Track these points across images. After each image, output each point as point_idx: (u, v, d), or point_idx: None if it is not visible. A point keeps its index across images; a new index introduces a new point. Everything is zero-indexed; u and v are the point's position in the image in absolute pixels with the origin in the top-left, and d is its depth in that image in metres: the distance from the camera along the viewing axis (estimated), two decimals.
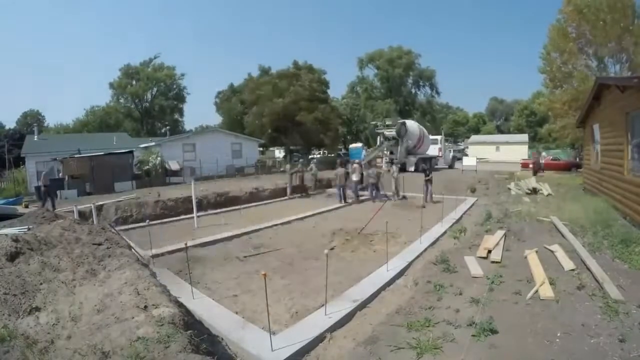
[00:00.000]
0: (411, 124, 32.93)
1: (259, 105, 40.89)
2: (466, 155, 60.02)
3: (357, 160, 23.39)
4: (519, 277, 7.22)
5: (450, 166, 39.62)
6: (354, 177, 20.05)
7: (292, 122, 40.03)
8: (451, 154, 41.71)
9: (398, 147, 31.27)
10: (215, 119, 76.75)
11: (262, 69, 48.73)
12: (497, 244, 9.31)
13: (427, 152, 35.51)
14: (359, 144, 41.04)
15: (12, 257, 5.36)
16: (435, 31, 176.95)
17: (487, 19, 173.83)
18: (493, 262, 8.29)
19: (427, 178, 18.24)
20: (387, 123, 34.87)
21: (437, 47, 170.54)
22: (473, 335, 5.03)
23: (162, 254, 10.11)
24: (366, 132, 60.15)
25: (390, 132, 32.26)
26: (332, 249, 10.45)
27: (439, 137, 39.95)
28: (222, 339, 5.44)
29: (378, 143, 33.88)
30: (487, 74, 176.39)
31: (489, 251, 8.81)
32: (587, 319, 5.35)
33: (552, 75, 26.51)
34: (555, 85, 26.90)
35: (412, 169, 31.50)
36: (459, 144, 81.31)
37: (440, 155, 38.51)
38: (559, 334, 4.99)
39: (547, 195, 17.48)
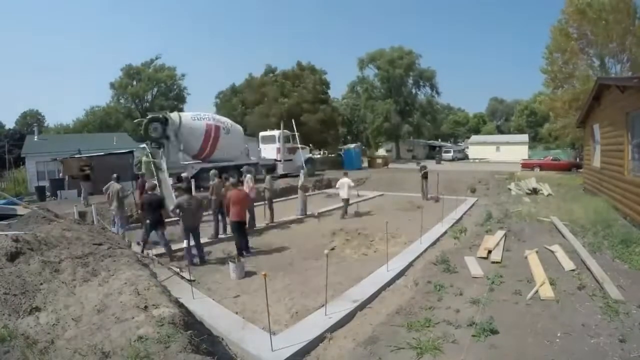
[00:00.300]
0: (185, 118, 21.85)
1: (263, 104, 40.88)
2: (467, 155, 60.10)
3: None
4: (519, 277, 7.22)
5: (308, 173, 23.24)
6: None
7: (296, 122, 40.15)
8: (305, 155, 29.67)
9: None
10: None
11: (268, 69, 48.73)
12: (498, 244, 9.31)
13: (238, 158, 24.33)
14: (352, 145, 40.57)
15: (13, 257, 5.35)
16: (435, 31, 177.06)
17: (488, 19, 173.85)
18: (493, 262, 8.29)
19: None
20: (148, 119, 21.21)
21: (437, 48, 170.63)
22: (473, 336, 5.03)
23: (162, 254, 10.12)
24: (366, 132, 60.09)
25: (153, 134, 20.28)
26: (332, 249, 10.46)
27: (276, 133, 28.46)
28: (223, 339, 5.44)
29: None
30: (487, 74, 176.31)
31: (489, 251, 8.81)
32: (587, 319, 5.35)
33: (554, 75, 26.52)
34: (557, 85, 26.91)
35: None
36: (459, 144, 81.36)
37: (279, 159, 27.68)
38: (559, 334, 4.99)
39: (547, 196, 17.50)
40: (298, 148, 29.00)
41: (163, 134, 20.20)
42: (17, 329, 3.89)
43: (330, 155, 46.92)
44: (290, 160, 28.09)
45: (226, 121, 24.69)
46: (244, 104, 51.66)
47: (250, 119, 43.25)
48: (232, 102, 60.53)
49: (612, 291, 6.08)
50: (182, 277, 8.25)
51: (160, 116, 20.79)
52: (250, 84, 48.91)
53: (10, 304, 4.29)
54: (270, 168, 24.80)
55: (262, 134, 30.50)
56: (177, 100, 79.02)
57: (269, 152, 28.38)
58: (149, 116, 20.75)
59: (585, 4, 23.35)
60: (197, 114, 23.13)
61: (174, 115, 21.31)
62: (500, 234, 10.20)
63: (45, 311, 4.34)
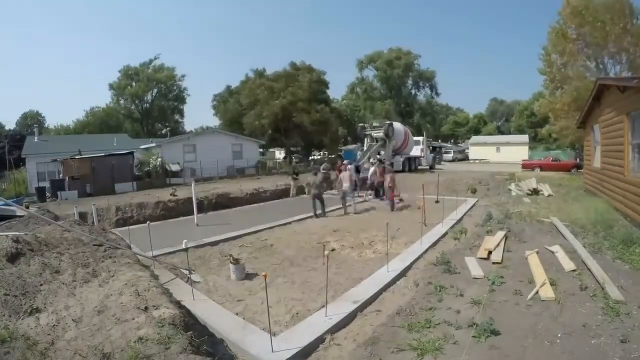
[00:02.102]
0: (397, 125, 33.70)
1: (257, 107, 40.95)
2: (467, 156, 59.98)
3: (347, 165, 20.45)
4: (519, 277, 7.22)
5: (431, 166, 39.73)
6: (345, 185, 16.78)
7: (291, 123, 40.17)
8: (431, 154, 41.71)
9: (385, 148, 31.45)
10: (214, 121, 76.46)
11: (257, 72, 48.69)
12: (498, 244, 9.29)
13: (410, 153, 36.44)
14: (353, 146, 40.91)
15: (13, 258, 5.35)
16: (435, 32, 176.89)
17: (487, 19, 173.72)
18: (494, 262, 8.28)
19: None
20: (374, 124, 34.25)
21: (436, 48, 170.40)
22: (474, 336, 5.02)
23: (163, 255, 10.12)
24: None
25: (378, 134, 31.74)
26: (332, 249, 10.44)
27: (421, 138, 40.21)
28: (223, 339, 5.44)
29: (365, 145, 32.46)
30: (487, 74, 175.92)
31: (490, 252, 8.80)
32: (588, 319, 5.35)
33: (552, 76, 26.51)
34: (556, 87, 26.90)
35: (400, 168, 32.24)
36: (460, 144, 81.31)
37: (422, 155, 38.83)
38: (559, 335, 4.99)
39: (547, 196, 17.48)
40: (432, 148, 44.67)
41: (392, 134, 31.61)
42: (18, 329, 3.89)
43: (330, 156, 46.87)
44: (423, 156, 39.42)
45: (407, 129, 37.39)
46: (241, 105, 51.61)
47: (247, 120, 43.33)
48: (228, 103, 60.55)
49: (612, 292, 6.07)
50: (189, 279, 8.22)
51: (389, 124, 32.10)
52: (245, 87, 48.93)
53: (10, 304, 4.29)
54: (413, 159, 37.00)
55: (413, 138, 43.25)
56: (177, 100, 79.14)
57: (415, 151, 38.61)
58: (389, 122, 32.64)
59: (582, 5, 23.36)
60: (398, 123, 35.33)
61: (393, 124, 33.08)
62: (500, 234, 10.19)
63: (46, 312, 4.34)
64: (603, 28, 22.70)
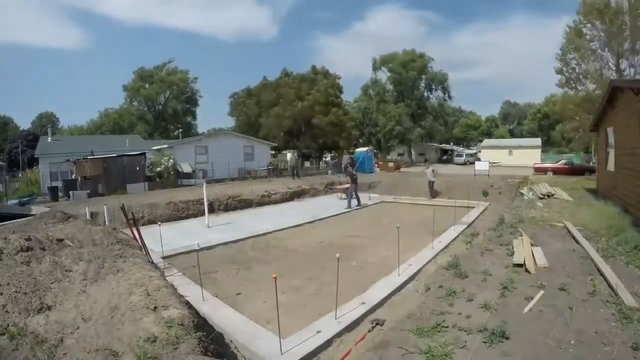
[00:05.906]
0: None
1: (279, 105, 41.47)
2: (479, 159, 59.42)
3: None
4: (531, 283, 7.12)
5: None
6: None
7: (307, 125, 40.52)
8: None
9: None
10: (226, 123, 76.91)
11: (284, 71, 49.20)
12: (527, 252, 8.78)
13: None
14: (364, 148, 40.95)
15: (24, 256, 5.40)
16: (446, 32, 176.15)
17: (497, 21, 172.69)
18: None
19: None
20: None
21: (446, 48, 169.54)
22: (484, 342, 4.96)
23: (173, 255, 10.17)
24: (378, 135, 59.97)
25: None
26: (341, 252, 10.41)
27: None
28: (232, 341, 5.44)
29: None
30: (500, 77, 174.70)
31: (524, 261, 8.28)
32: (600, 326, 5.26)
33: (567, 75, 26.38)
34: (570, 87, 26.77)
35: None
36: (472, 147, 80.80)
37: None
38: (572, 342, 4.90)
39: (560, 200, 17.29)
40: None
41: None
42: (27, 327, 3.92)
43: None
44: None
45: None
46: (260, 105, 51.94)
47: (265, 120, 43.66)
48: (246, 103, 60.94)
49: (626, 297, 5.96)
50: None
51: None
52: (266, 86, 49.46)
53: (20, 302, 4.32)
54: None
55: None
56: (190, 103, 79.66)
57: None
58: None
59: (602, 4, 23.22)
60: None
61: None
62: (526, 239, 9.78)
63: (56, 310, 4.37)
64: (620, 28, 22.55)
